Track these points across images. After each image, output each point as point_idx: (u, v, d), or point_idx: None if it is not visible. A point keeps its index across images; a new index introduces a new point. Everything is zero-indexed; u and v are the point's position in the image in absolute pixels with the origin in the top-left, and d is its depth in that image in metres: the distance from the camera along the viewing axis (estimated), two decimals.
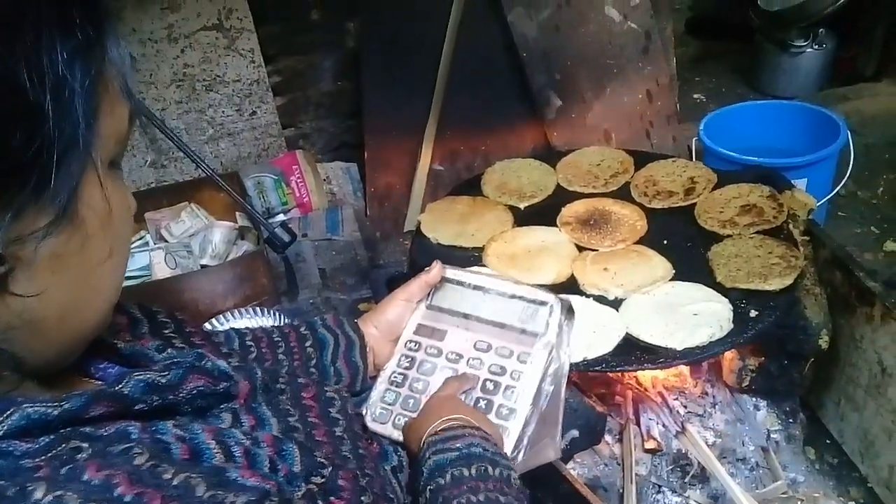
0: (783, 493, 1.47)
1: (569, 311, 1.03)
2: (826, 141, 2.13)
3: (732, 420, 1.58)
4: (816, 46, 3.04)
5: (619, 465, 1.48)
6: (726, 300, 1.34)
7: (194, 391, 0.59)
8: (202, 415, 0.61)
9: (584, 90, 2.17)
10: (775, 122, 2.40)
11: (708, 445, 1.49)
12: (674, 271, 1.44)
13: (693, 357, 1.28)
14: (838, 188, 2.23)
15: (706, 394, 1.62)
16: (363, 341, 1.03)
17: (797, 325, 1.47)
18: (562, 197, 1.72)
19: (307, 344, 1.01)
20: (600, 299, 1.40)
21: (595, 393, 1.53)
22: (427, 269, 1.09)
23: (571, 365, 1.25)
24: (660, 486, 1.46)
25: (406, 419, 0.97)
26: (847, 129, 2.17)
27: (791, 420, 1.61)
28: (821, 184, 2.17)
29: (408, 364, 1.03)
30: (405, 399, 0.99)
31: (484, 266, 1.51)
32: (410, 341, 1.05)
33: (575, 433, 1.34)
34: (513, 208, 1.69)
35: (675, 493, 1.46)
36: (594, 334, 1.31)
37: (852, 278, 1.55)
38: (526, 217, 1.67)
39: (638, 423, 1.53)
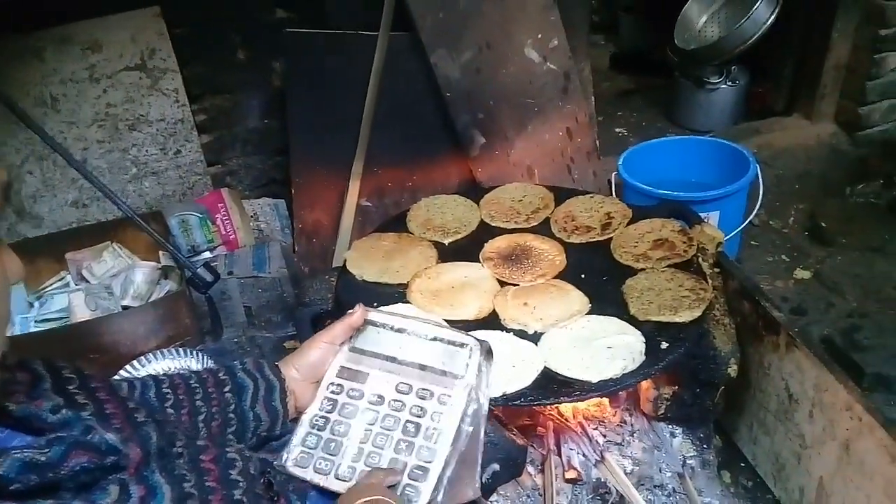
0: None
1: (488, 353, 1.06)
2: (738, 174, 2.22)
3: (650, 447, 1.62)
4: (730, 83, 3.17)
5: (540, 496, 1.50)
6: (639, 333, 1.39)
7: (77, 468, 0.58)
8: (87, 489, 0.60)
9: (507, 128, 2.22)
10: (690, 156, 2.49)
11: (626, 473, 1.53)
12: (590, 305, 1.48)
13: (607, 389, 1.31)
14: (749, 219, 2.32)
15: (624, 422, 1.66)
16: (283, 384, 1.04)
17: (707, 354, 1.52)
18: (485, 232, 1.75)
19: (226, 389, 1.01)
20: (520, 333, 1.43)
21: (516, 425, 1.55)
22: (350, 311, 1.10)
23: (491, 400, 1.28)
24: None
25: (327, 463, 0.98)
26: (756, 164, 2.26)
27: (706, 446, 1.65)
28: (732, 216, 2.26)
29: (329, 407, 1.03)
30: (326, 442, 1.00)
31: (408, 303, 1.52)
32: (332, 384, 1.06)
33: (496, 467, 1.35)
34: (437, 244, 1.71)
35: None
36: (514, 368, 1.33)
37: (759, 308, 1.61)
38: (450, 253, 1.69)
39: (559, 454, 1.55)
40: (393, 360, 1.06)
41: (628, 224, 1.72)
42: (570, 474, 1.52)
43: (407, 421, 0.99)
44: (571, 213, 1.78)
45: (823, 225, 2.64)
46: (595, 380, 1.30)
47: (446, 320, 1.43)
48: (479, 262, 1.65)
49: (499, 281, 1.59)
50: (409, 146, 2.29)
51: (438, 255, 1.67)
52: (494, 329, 1.44)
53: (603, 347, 1.36)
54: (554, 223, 1.76)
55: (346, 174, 2.28)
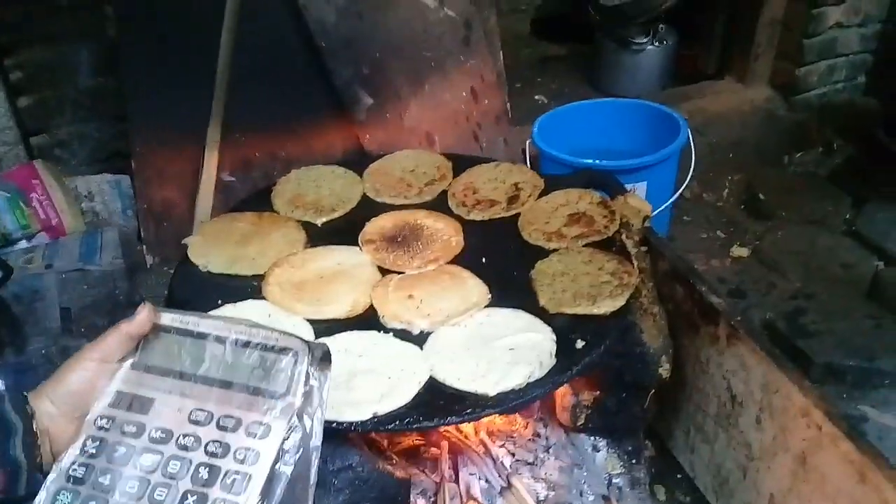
0: None
1: (322, 360, 0.85)
2: (667, 140, 2.09)
3: (568, 466, 1.44)
4: (657, 43, 3.07)
5: None
6: (549, 329, 1.20)
7: None
8: None
9: (399, 86, 2.01)
10: (614, 121, 2.37)
11: (539, 502, 1.33)
12: (490, 296, 1.28)
13: (507, 404, 1.10)
14: (680, 191, 2.18)
15: (538, 436, 1.48)
16: (29, 424, 0.81)
17: (633, 352, 1.35)
18: (368, 210, 1.56)
19: None
20: (402, 334, 1.22)
21: (398, 449, 1.33)
22: (132, 315, 0.88)
23: (356, 425, 1.04)
24: None
25: None
26: (687, 128, 2.14)
27: (634, 461, 1.48)
28: (662, 187, 2.12)
29: (94, 450, 0.82)
30: (85, 501, 0.78)
31: (262, 299, 1.29)
32: (102, 417, 0.84)
33: None
34: (308, 225, 1.51)
35: None
36: (389, 381, 1.12)
37: (695, 293, 1.45)
38: (324, 235, 1.49)
39: (456, 480, 1.36)
40: (189, 377, 0.85)
41: (539, 196, 1.55)
42: None
43: (200, 464, 0.78)
44: (472, 184, 1.61)
45: (761, 197, 2.58)
46: (492, 392, 1.09)
47: (310, 320, 1.24)
48: (359, 245, 1.44)
49: (381, 269, 1.38)
50: (280, 107, 2.07)
51: (308, 239, 1.47)
52: (371, 329, 1.23)
53: (504, 349, 1.16)
54: (451, 197, 1.58)
55: (201, 142, 2.03)
